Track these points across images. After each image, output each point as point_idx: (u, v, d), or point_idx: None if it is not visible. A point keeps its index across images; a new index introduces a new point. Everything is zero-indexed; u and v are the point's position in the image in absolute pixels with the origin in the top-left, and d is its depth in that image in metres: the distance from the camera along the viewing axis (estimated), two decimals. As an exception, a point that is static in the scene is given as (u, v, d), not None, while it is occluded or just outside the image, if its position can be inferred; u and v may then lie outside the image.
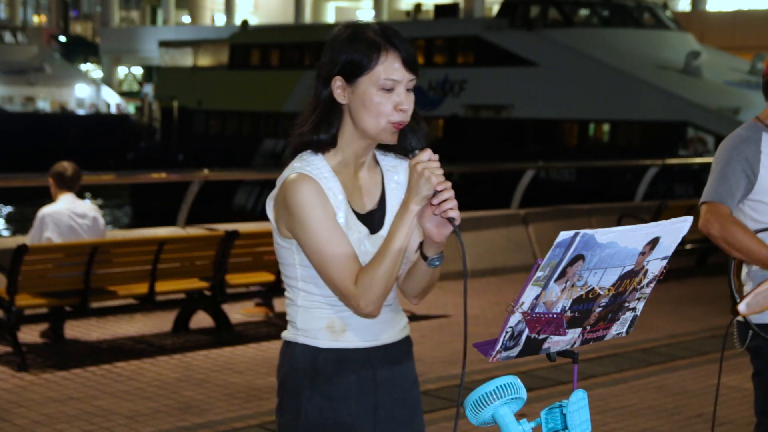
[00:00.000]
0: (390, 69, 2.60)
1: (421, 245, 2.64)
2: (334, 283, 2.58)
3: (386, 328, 2.72)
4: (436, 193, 2.51)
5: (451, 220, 2.50)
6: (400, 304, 2.80)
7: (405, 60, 2.61)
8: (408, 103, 2.62)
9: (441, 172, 2.51)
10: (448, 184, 2.51)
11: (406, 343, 2.80)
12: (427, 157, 2.53)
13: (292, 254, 2.67)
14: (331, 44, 2.65)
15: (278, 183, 2.67)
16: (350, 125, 2.66)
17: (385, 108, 2.60)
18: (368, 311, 2.58)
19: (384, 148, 2.76)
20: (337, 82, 2.63)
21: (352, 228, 2.64)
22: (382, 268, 2.55)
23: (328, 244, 2.57)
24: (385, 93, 2.60)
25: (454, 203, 2.50)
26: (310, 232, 2.58)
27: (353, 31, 2.64)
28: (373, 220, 2.70)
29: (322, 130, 2.66)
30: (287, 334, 2.74)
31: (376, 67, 2.60)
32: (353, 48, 2.61)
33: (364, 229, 2.67)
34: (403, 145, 2.61)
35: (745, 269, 3.84)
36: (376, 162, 2.78)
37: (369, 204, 2.72)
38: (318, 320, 2.68)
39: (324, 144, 2.67)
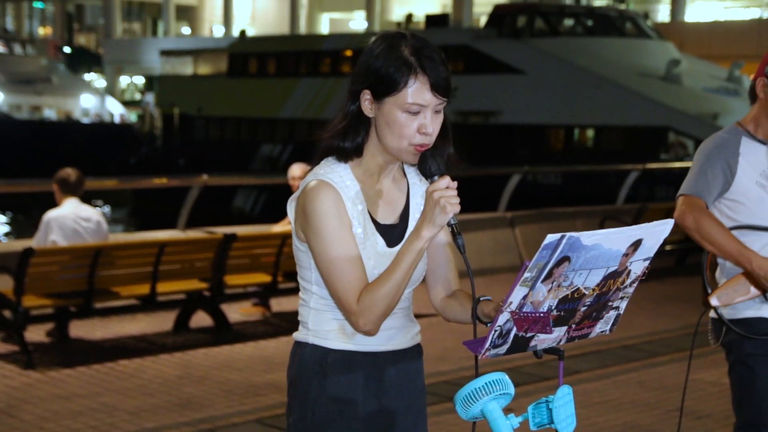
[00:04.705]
0: (417, 94, 2.46)
1: (478, 300, 2.51)
2: (338, 296, 2.49)
3: (398, 334, 2.64)
4: (452, 227, 2.42)
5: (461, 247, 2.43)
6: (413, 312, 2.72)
7: (434, 85, 2.47)
8: (433, 126, 2.49)
9: (457, 201, 2.40)
10: (457, 209, 2.41)
11: (416, 350, 2.70)
12: (445, 184, 2.41)
13: (308, 258, 2.58)
14: (366, 55, 2.52)
15: (301, 186, 2.58)
16: (376, 137, 2.55)
17: (409, 130, 2.48)
18: (366, 329, 2.49)
19: None
20: (366, 96, 2.51)
21: (369, 238, 2.55)
22: (384, 290, 2.45)
23: (337, 257, 2.47)
24: (411, 115, 2.47)
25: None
26: (322, 242, 2.49)
27: (388, 45, 2.50)
28: (393, 232, 2.60)
29: (348, 138, 2.54)
30: (298, 335, 2.65)
31: (403, 90, 2.46)
32: (385, 64, 2.47)
33: (381, 241, 2.57)
34: (422, 169, 2.48)
35: (719, 269, 3.85)
36: (403, 173, 2.67)
37: (391, 216, 2.61)
38: (329, 322, 2.59)
39: (348, 152, 2.56)
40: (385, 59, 2.49)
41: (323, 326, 2.60)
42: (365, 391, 2.61)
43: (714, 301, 3.73)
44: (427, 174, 2.48)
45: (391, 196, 2.64)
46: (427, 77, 2.47)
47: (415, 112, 2.48)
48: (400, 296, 2.48)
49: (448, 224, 2.43)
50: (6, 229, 28.10)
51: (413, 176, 2.69)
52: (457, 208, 2.41)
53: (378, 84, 2.49)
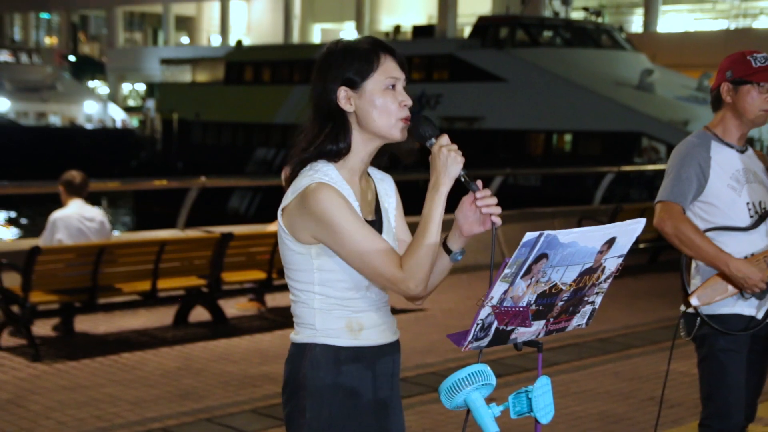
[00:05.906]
0: (390, 68, 2.56)
1: (444, 241, 2.57)
2: (381, 273, 2.46)
3: (389, 328, 2.65)
4: (474, 192, 2.48)
5: (493, 224, 2.49)
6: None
7: (399, 61, 2.59)
8: (408, 98, 2.59)
9: (461, 152, 2.47)
10: (463, 159, 2.48)
11: (398, 342, 2.73)
12: (447, 141, 2.48)
13: (309, 260, 2.56)
14: (327, 60, 2.57)
15: (293, 192, 2.54)
16: (357, 132, 2.58)
17: (393, 105, 2.55)
18: (418, 291, 2.45)
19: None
20: (342, 93, 2.55)
21: None
22: (424, 250, 2.44)
23: (365, 241, 2.46)
24: (389, 91, 2.55)
25: (498, 209, 2.51)
26: (344, 233, 2.46)
27: (346, 45, 2.59)
28: (374, 227, 2.59)
29: (340, 139, 2.57)
30: (302, 337, 2.59)
31: (378, 68, 2.55)
32: (352, 57, 2.55)
33: None
34: (420, 134, 2.52)
35: (694, 265, 3.86)
36: (368, 173, 2.70)
37: (369, 212, 2.64)
38: (338, 320, 2.56)
39: (343, 152, 2.57)
40: (350, 53, 2.57)
41: (332, 325, 2.57)
42: (374, 383, 2.61)
43: (694, 300, 3.74)
44: (425, 137, 2.52)
45: (366, 193, 2.66)
46: (390, 55, 2.58)
47: (392, 87, 2.56)
48: (436, 254, 2.49)
49: (459, 175, 2.48)
50: (16, 231, 27.94)
51: (375, 175, 2.73)
52: (463, 159, 2.47)
53: (353, 74, 2.55)
